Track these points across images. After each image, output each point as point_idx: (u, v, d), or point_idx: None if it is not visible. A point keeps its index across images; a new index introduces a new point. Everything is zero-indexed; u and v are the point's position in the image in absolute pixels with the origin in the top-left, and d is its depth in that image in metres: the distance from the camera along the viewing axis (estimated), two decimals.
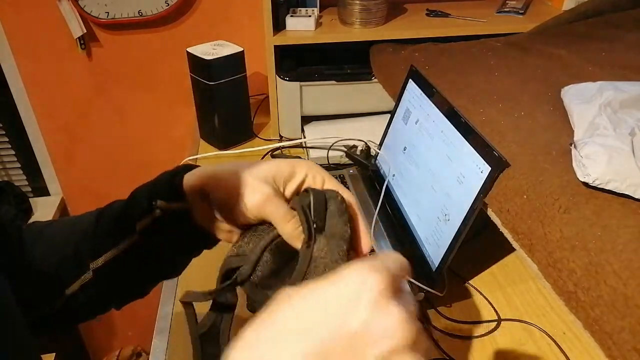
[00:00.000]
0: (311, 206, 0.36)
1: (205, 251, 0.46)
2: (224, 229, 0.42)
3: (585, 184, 0.59)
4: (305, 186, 0.40)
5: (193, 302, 0.37)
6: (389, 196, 0.88)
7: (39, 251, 0.45)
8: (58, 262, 0.44)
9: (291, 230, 0.37)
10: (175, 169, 0.43)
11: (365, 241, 0.38)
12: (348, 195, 0.39)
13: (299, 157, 1.04)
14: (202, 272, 0.47)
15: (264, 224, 0.39)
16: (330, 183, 0.40)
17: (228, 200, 0.39)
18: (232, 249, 0.39)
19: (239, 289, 0.38)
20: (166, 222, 0.42)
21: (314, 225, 0.36)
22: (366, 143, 1.02)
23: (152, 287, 0.49)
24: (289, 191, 0.40)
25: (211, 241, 0.44)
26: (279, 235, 0.37)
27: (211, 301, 0.38)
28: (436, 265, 0.70)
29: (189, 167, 0.43)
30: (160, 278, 0.49)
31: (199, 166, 0.43)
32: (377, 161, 0.98)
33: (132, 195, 0.44)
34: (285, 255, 0.37)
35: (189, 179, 0.41)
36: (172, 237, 0.43)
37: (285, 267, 0.37)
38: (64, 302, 0.44)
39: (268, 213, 0.38)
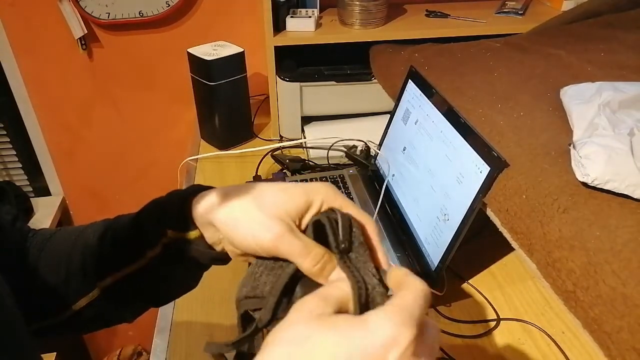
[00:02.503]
0: (339, 224, 0.34)
1: None
2: (237, 253, 0.40)
3: (584, 184, 0.59)
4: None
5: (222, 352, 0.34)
6: (389, 196, 0.88)
7: (43, 262, 0.44)
8: (65, 277, 0.44)
9: (310, 266, 0.34)
10: (185, 191, 0.42)
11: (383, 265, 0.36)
12: (367, 220, 0.37)
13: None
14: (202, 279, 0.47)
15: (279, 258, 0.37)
16: (348, 208, 0.38)
17: (237, 237, 0.37)
18: (249, 288, 0.36)
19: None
20: (177, 248, 0.41)
21: (342, 245, 0.34)
22: (366, 143, 1.02)
23: (166, 301, 0.48)
24: (305, 223, 0.37)
25: (225, 259, 0.43)
26: (296, 271, 0.35)
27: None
28: (435, 265, 0.71)
29: (198, 189, 0.42)
30: (172, 297, 0.48)
31: (210, 187, 0.42)
32: (376, 161, 0.98)
33: (140, 218, 0.43)
34: (309, 290, 0.34)
35: (198, 206, 0.40)
36: (184, 261, 0.42)
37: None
38: (70, 316, 0.44)
39: (282, 252, 0.35)
